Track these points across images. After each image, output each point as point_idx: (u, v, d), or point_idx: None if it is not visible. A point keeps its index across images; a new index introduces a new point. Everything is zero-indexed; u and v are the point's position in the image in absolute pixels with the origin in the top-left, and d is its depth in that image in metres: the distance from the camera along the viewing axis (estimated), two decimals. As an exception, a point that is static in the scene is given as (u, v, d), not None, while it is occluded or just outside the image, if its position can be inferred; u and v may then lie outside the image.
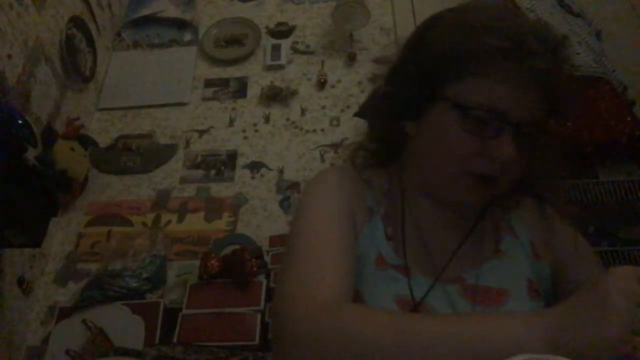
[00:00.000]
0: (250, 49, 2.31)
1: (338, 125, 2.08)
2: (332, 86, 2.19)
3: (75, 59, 2.01)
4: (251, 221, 1.87)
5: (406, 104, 0.76)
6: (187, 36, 2.40)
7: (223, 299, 1.56)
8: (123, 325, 1.56)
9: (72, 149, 1.81)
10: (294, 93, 2.16)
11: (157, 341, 1.51)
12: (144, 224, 1.88)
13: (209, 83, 2.25)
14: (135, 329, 1.55)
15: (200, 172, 2.01)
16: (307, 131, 2.08)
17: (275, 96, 2.15)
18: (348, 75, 2.21)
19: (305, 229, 0.77)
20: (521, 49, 0.68)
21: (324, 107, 2.14)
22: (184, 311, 1.56)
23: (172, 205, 1.93)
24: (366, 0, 2.25)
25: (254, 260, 1.59)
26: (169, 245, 1.81)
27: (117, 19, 2.39)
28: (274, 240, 1.75)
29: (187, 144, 2.09)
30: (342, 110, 2.12)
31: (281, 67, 2.26)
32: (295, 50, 2.31)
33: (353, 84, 2.18)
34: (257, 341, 1.47)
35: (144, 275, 1.66)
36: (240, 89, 2.22)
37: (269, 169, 2.00)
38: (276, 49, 2.30)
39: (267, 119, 2.13)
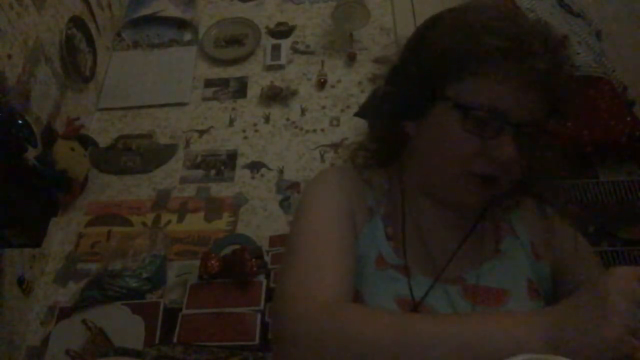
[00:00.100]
0: (250, 49, 2.31)
1: (338, 125, 2.08)
2: (332, 86, 2.19)
3: (75, 59, 2.01)
4: (251, 221, 1.87)
5: (406, 104, 0.76)
6: (187, 36, 2.40)
7: (223, 299, 1.57)
8: (123, 325, 1.56)
9: (72, 149, 1.81)
10: (294, 93, 2.16)
11: (157, 341, 1.52)
12: (144, 224, 1.88)
13: (209, 83, 2.25)
14: (135, 329, 1.55)
15: (200, 172, 2.01)
16: (307, 131, 2.08)
17: (275, 96, 2.15)
18: (348, 75, 2.21)
19: (305, 229, 0.77)
20: (521, 49, 0.68)
21: (324, 107, 2.14)
22: (184, 311, 1.56)
23: (172, 205, 1.93)
24: (366, 0, 2.25)
25: (254, 260, 1.59)
26: (169, 245, 1.81)
27: (117, 19, 2.39)
28: (274, 240, 1.75)
29: (187, 144, 2.09)
30: (342, 110, 2.12)
31: (281, 67, 2.26)
32: (295, 50, 2.31)
33: (353, 84, 2.18)
34: (257, 341, 1.48)
35: (144, 275, 1.66)
36: (240, 89, 2.22)
37: (269, 169, 2.00)
38: (276, 49, 2.30)
39: (267, 119, 2.13)
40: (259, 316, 1.52)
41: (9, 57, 1.62)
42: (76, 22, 2.02)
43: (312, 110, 2.14)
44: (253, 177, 1.98)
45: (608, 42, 2.01)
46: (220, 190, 1.96)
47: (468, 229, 0.82)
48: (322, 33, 2.35)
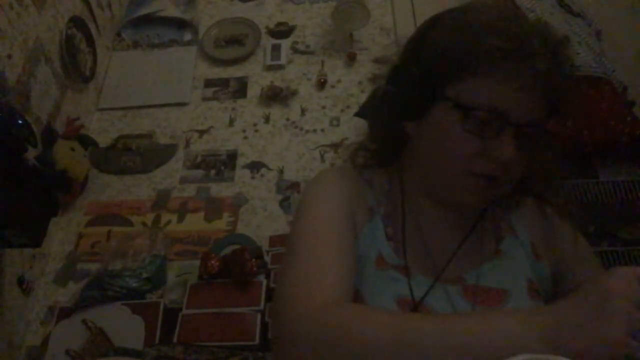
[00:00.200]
0: (250, 49, 2.31)
1: (338, 125, 2.08)
2: (332, 86, 2.19)
3: (75, 59, 2.01)
4: (251, 221, 1.87)
5: (407, 104, 0.76)
6: (187, 36, 2.39)
7: (223, 299, 1.56)
8: (123, 325, 1.56)
9: (72, 149, 1.81)
10: (294, 93, 2.16)
11: (157, 341, 1.51)
12: (144, 224, 1.88)
13: (209, 83, 2.25)
14: (135, 329, 1.55)
15: (200, 172, 2.01)
16: (307, 131, 2.08)
17: (275, 96, 2.15)
18: (348, 75, 2.21)
19: (305, 229, 0.77)
20: (522, 49, 0.68)
21: (324, 107, 2.14)
22: (184, 311, 1.56)
23: (172, 205, 1.93)
24: (366, 0, 2.25)
25: (254, 260, 1.59)
26: (169, 245, 1.81)
27: (117, 19, 2.39)
28: (274, 240, 1.75)
29: (187, 144, 2.09)
30: (342, 110, 2.12)
31: (281, 67, 2.26)
32: (295, 50, 2.31)
33: (353, 84, 2.18)
34: (257, 341, 1.47)
35: (144, 275, 1.66)
36: (240, 89, 2.22)
37: (269, 169, 2.00)
38: (276, 49, 2.30)
39: (267, 119, 2.13)
40: (259, 316, 1.52)
41: (9, 57, 1.62)
42: (76, 22, 2.02)
43: (312, 110, 2.14)
44: (253, 177, 1.98)
45: (608, 42, 2.01)
46: (220, 190, 1.96)
47: (468, 229, 0.82)
48: (322, 33, 2.35)
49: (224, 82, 2.25)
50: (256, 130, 2.10)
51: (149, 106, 2.19)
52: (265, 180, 1.97)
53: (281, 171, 1.99)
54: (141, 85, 2.24)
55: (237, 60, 2.29)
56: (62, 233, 1.87)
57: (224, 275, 1.60)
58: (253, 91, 2.20)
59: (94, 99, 2.19)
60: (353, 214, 0.79)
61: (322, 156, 2.01)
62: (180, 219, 1.89)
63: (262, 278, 1.60)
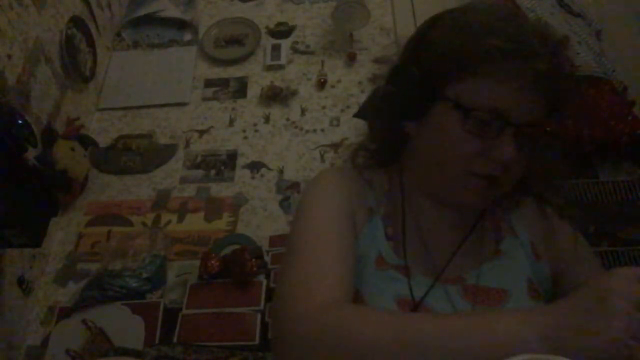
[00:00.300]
0: (250, 49, 2.31)
1: (338, 125, 2.08)
2: (332, 86, 2.19)
3: (75, 59, 2.01)
4: (251, 221, 1.87)
5: (407, 104, 0.76)
6: (187, 36, 2.39)
7: (223, 299, 1.56)
8: (123, 325, 1.56)
9: (72, 149, 1.81)
10: (294, 93, 2.16)
11: (157, 341, 1.51)
12: (144, 224, 1.88)
13: (209, 83, 2.25)
14: (135, 329, 1.55)
15: (200, 172, 2.01)
16: (307, 131, 2.08)
17: (275, 96, 2.15)
18: (348, 75, 2.21)
19: (305, 229, 0.77)
20: (522, 49, 0.68)
21: (324, 107, 2.14)
22: (184, 311, 1.56)
23: (172, 205, 1.93)
24: (366, 0, 2.25)
25: (254, 260, 1.59)
26: (169, 245, 1.81)
27: (117, 19, 2.39)
28: (274, 240, 1.75)
29: (187, 144, 2.09)
30: (342, 110, 2.12)
31: (281, 67, 2.26)
32: (295, 50, 2.31)
33: (353, 84, 2.18)
34: (257, 341, 1.47)
35: (144, 275, 1.66)
36: (240, 89, 2.22)
37: (269, 169, 2.00)
38: (276, 49, 2.29)
39: (267, 119, 2.13)
40: (259, 316, 1.52)
41: (9, 57, 1.62)
42: (76, 22, 2.01)
43: (312, 110, 2.13)
44: (253, 177, 1.98)
45: (608, 42, 2.01)
46: (220, 190, 1.96)
47: (468, 229, 0.82)
48: (322, 33, 2.35)
49: (224, 82, 2.25)
50: (256, 130, 2.10)
51: (149, 106, 2.19)
52: (265, 180, 1.97)
53: (281, 171, 1.98)
54: (141, 85, 2.24)
55: (237, 60, 2.29)
56: (62, 233, 1.87)
57: (224, 275, 1.60)
58: (253, 91, 2.20)
59: (94, 99, 2.19)
60: (353, 214, 0.79)
61: (322, 156, 2.01)
62: (180, 219, 1.89)
63: (262, 278, 1.60)
